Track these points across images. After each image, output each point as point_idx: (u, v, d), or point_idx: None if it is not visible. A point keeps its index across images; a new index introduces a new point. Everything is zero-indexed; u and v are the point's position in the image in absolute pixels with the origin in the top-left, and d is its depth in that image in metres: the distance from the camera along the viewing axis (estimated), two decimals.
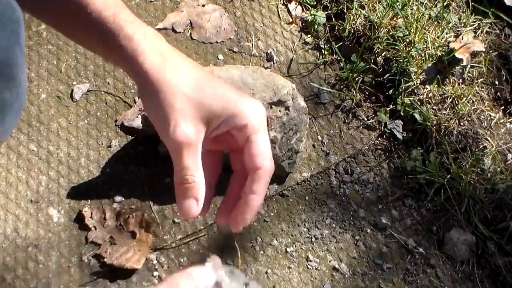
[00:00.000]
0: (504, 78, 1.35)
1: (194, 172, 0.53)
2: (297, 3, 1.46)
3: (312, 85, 1.32)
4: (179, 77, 0.54)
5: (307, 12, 1.44)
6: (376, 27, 1.37)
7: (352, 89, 1.32)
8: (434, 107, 1.29)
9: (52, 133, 1.26)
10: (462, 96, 1.28)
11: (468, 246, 1.16)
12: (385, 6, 1.39)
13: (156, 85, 0.53)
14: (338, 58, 1.37)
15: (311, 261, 1.14)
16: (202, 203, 0.54)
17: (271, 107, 1.04)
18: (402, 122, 1.29)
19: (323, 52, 1.39)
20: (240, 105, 0.54)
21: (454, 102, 1.29)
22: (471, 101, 1.29)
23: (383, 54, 1.36)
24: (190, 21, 1.43)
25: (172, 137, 0.52)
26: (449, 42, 1.36)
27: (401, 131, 1.28)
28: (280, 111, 1.06)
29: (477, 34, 1.39)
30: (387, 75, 1.33)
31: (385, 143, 1.28)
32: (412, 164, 1.23)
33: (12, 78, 0.64)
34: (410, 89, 1.31)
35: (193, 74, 0.55)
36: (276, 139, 1.06)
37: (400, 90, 1.30)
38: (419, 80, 1.31)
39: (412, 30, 1.34)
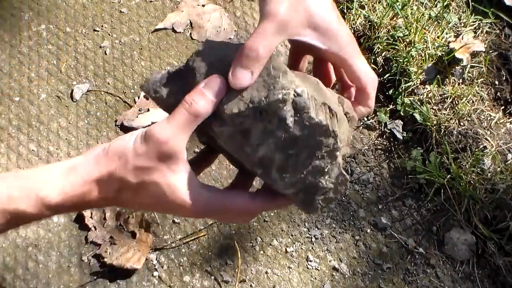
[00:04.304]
0: (504, 78, 1.35)
1: (267, 47, 0.59)
2: None
3: None
4: None
5: None
6: (376, 27, 1.37)
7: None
8: (434, 107, 1.29)
9: (52, 133, 1.26)
10: (462, 96, 1.28)
11: (468, 246, 1.16)
12: (385, 6, 1.39)
13: None
14: None
15: (311, 261, 1.14)
16: (254, 80, 0.60)
17: None
18: (402, 122, 1.29)
19: None
20: (340, 28, 0.63)
21: (454, 102, 1.29)
22: (471, 101, 1.29)
23: (383, 54, 1.36)
24: (190, 21, 1.43)
25: (270, 7, 0.60)
26: (449, 42, 1.36)
27: (401, 131, 1.28)
28: None
29: (477, 34, 1.39)
30: (387, 75, 1.33)
31: (385, 143, 1.28)
32: (412, 164, 1.23)
33: None
34: (410, 89, 1.31)
35: None
36: None
37: (400, 90, 1.30)
38: (419, 80, 1.31)
39: (412, 30, 1.34)
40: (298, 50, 0.70)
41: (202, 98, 0.59)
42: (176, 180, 0.59)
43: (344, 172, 0.63)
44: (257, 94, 0.63)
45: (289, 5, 0.60)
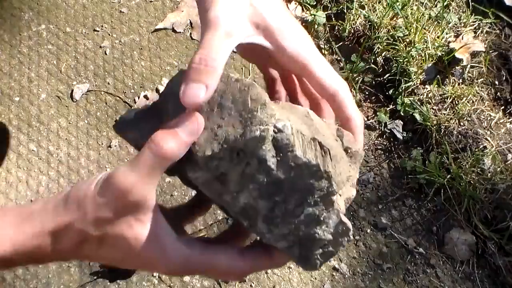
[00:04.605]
0: (504, 78, 1.35)
1: (217, 55, 0.49)
2: (297, 3, 1.46)
3: None
4: None
5: (307, 12, 1.44)
6: (376, 27, 1.37)
7: (352, 89, 1.32)
8: (434, 107, 1.29)
9: (52, 133, 1.26)
10: (462, 96, 1.29)
11: (468, 246, 1.16)
12: (385, 6, 1.39)
13: None
14: (338, 58, 1.37)
15: None
16: (211, 94, 0.50)
17: None
18: (402, 122, 1.29)
19: (323, 52, 1.39)
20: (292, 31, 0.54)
21: (454, 102, 1.29)
22: (471, 101, 1.29)
23: (383, 54, 1.36)
24: (190, 21, 1.43)
25: (211, 13, 0.51)
26: (449, 42, 1.36)
27: (401, 131, 1.28)
28: None
29: (477, 34, 1.39)
30: (387, 75, 1.33)
31: (385, 143, 1.28)
32: (412, 164, 1.23)
33: None
34: (410, 89, 1.31)
35: None
36: None
37: (400, 90, 1.30)
38: (419, 80, 1.31)
39: (412, 30, 1.34)
40: (261, 62, 0.61)
41: (172, 138, 0.49)
42: (145, 233, 0.50)
43: (344, 220, 0.52)
44: (232, 131, 0.51)
45: (232, 7, 0.51)
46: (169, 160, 0.50)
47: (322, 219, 0.51)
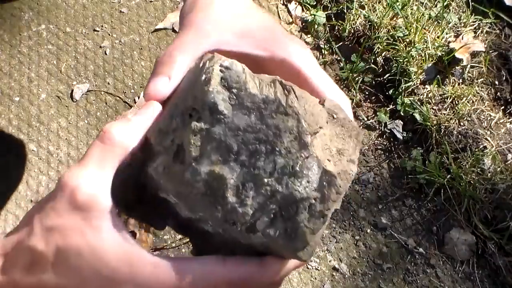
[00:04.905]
0: (504, 78, 1.35)
1: (185, 51, 0.46)
2: (297, 3, 1.46)
3: None
4: None
5: (307, 12, 1.44)
6: (376, 27, 1.37)
7: (352, 89, 1.32)
8: (434, 107, 1.29)
9: (52, 133, 1.26)
10: (462, 96, 1.29)
11: (468, 246, 1.16)
12: (385, 6, 1.39)
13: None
14: (338, 58, 1.37)
15: (311, 261, 1.14)
16: (174, 85, 0.45)
17: None
18: (402, 122, 1.29)
19: (323, 52, 1.39)
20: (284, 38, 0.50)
21: (454, 102, 1.29)
22: (471, 101, 1.29)
23: (383, 54, 1.36)
24: None
25: (188, 18, 0.49)
26: (449, 42, 1.36)
27: (401, 131, 1.28)
28: None
29: (477, 34, 1.39)
30: (387, 75, 1.33)
31: (385, 143, 1.28)
32: (412, 164, 1.23)
33: None
34: (410, 89, 1.31)
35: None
36: None
37: (400, 90, 1.30)
38: (419, 80, 1.31)
39: (412, 30, 1.34)
40: None
41: (124, 124, 0.43)
42: (102, 241, 0.40)
43: (328, 169, 0.43)
44: (183, 96, 0.44)
45: (208, 13, 0.48)
46: (121, 148, 0.42)
47: (298, 169, 0.42)
